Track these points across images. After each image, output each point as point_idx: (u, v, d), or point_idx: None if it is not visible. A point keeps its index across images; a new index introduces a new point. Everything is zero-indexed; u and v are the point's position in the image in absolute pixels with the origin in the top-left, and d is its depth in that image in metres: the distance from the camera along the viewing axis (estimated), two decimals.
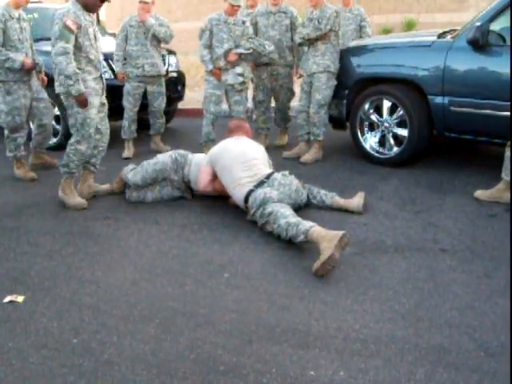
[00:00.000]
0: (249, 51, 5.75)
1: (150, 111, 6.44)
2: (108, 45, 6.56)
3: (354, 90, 5.72)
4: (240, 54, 5.76)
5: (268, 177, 4.19)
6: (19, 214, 4.57)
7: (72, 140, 4.58)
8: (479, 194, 4.59)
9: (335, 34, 5.63)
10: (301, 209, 4.29)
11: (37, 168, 5.81)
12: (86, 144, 4.58)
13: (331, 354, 2.57)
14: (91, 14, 4.55)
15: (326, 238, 3.38)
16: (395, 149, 5.51)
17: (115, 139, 6.18)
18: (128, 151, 6.38)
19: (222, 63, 5.82)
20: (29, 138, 5.81)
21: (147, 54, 6.20)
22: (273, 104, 6.61)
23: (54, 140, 6.45)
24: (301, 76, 6.05)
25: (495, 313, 2.89)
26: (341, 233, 3.38)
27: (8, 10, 5.27)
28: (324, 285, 3.24)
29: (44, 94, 5.66)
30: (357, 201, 4.32)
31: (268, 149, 5.24)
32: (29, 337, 2.78)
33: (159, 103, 6.41)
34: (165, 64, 7.20)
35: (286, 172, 4.35)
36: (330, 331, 2.76)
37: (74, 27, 4.27)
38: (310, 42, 5.60)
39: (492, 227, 4.02)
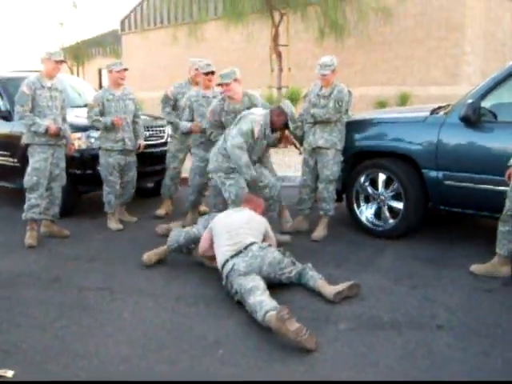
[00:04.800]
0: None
1: (124, 182, 6.33)
2: None
3: (350, 162, 5.81)
4: None
5: (246, 247, 4.20)
6: (13, 283, 4.53)
7: None
8: (475, 268, 4.59)
9: (346, 112, 5.67)
10: (283, 284, 4.23)
11: (45, 237, 5.85)
12: None
13: None
14: None
15: (276, 324, 3.35)
16: (391, 221, 5.55)
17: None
18: (117, 223, 6.25)
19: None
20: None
21: (126, 128, 6.20)
22: None
23: None
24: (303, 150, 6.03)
25: None
26: (278, 314, 3.35)
27: (40, 79, 5.64)
28: (321, 362, 3.19)
29: (63, 163, 5.84)
30: (333, 288, 4.08)
31: None
32: None
33: (133, 174, 6.40)
34: (165, 134, 7.36)
35: (265, 244, 4.37)
36: None
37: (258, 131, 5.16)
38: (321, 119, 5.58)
39: (488, 302, 4.01)
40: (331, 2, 15.15)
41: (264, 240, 4.53)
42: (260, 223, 4.62)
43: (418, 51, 16.53)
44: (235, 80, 5.51)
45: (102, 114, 6.10)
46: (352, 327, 3.65)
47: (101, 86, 26.80)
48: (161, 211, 6.84)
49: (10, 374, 3.11)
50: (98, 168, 6.32)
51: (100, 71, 31.86)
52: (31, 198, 5.61)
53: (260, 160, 5.55)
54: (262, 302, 3.64)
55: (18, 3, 60.50)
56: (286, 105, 5.31)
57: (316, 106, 5.59)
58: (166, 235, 5.34)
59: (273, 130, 5.33)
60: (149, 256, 4.93)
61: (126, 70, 6.22)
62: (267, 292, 3.81)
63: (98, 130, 6.31)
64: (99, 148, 6.25)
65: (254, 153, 5.33)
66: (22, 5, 60.27)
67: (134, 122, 6.36)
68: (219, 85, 5.65)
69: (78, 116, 6.92)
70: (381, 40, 16.98)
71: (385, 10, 15.54)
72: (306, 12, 15.96)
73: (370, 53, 17.43)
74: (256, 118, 5.21)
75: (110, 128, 6.06)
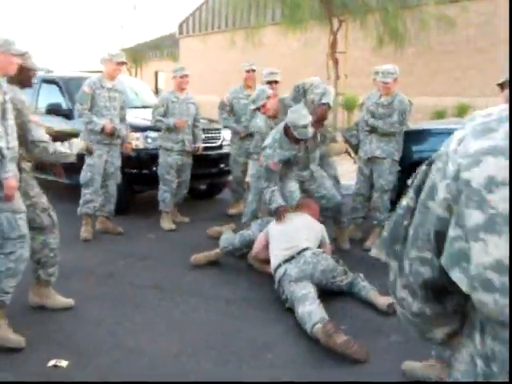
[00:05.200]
0: None
1: (179, 182, 6.42)
2: None
3: (406, 172, 5.69)
4: None
5: (300, 252, 4.17)
6: (69, 276, 4.63)
7: None
8: None
9: (405, 123, 5.60)
10: (335, 291, 4.20)
11: (100, 233, 6.02)
12: None
13: None
14: None
15: (323, 338, 3.34)
16: None
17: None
18: (170, 223, 6.33)
19: None
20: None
21: (187, 130, 6.34)
22: None
23: None
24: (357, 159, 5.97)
25: None
26: (323, 329, 3.35)
27: (101, 79, 5.84)
28: (367, 373, 3.15)
29: (118, 162, 6.00)
30: (386, 299, 3.97)
31: None
32: None
33: (188, 175, 6.53)
34: (220, 138, 7.43)
35: (319, 250, 4.32)
36: None
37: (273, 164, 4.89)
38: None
39: None
40: (392, 9, 14.98)
41: (319, 246, 4.51)
42: (317, 229, 4.60)
43: (479, 61, 16.15)
44: (268, 97, 5.28)
45: (165, 114, 6.26)
46: (402, 340, 3.58)
47: (157, 88, 27.29)
48: (234, 210, 6.97)
49: (64, 363, 3.18)
50: (154, 168, 6.45)
51: (156, 73, 32.43)
52: (86, 194, 5.79)
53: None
54: (311, 312, 3.60)
55: (82, 6, 62.40)
56: (288, 115, 4.89)
57: (374, 114, 5.51)
58: (216, 238, 5.39)
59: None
60: (197, 258, 4.98)
61: (187, 75, 6.38)
62: (317, 301, 3.77)
63: (157, 130, 6.45)
64: (159, 147, 6.38)
65: (300, 166, 5.17)
66: (85, 8, 62.18)
67: (194, 126, 6.49)
68: (256, 109, 5.44)
69: (136, 117, 7.06)
70: (441, 49, 16.65)
71: (447, 18, 15.23)
72: (366, 20, 15.82)
73: (430, 62, 17.13)
74: (266, 151, 4.93)
75: (172, 129, 6.20)
